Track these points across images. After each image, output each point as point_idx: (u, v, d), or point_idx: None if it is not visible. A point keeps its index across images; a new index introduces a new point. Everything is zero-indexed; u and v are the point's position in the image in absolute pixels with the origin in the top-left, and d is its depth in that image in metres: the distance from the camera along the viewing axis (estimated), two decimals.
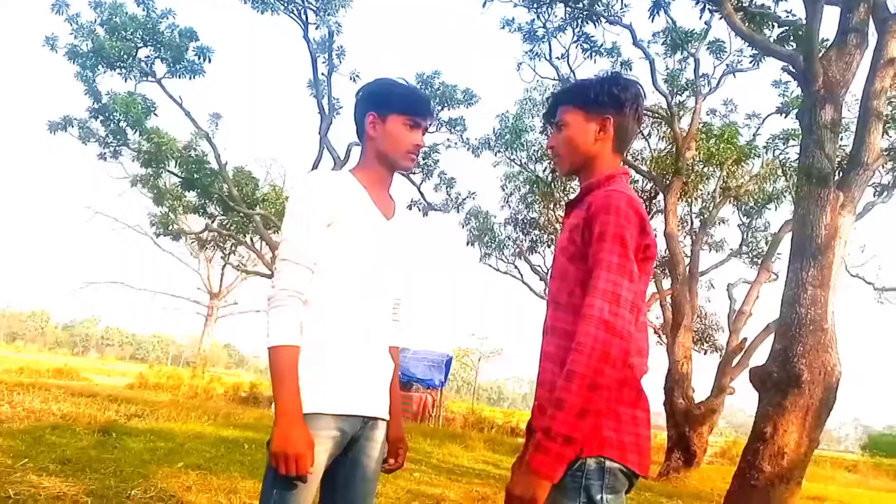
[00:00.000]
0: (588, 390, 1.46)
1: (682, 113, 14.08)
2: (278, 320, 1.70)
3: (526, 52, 12.98)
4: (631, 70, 13.66)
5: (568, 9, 11.47)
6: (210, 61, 13.84)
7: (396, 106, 1.88)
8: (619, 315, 1.48)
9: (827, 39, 7.22)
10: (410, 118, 1.88)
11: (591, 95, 1.73)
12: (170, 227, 18.99)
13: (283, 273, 1.73)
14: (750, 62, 11.97)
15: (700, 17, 10.07)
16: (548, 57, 12.80)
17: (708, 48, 12.70)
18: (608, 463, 1.53)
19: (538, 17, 12.06)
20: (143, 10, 13.41)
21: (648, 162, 15.54)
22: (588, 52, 12.01)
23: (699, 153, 14.00)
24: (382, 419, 1.90)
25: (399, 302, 2.04)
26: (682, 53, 12.88)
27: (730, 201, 15.82)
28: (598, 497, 1.52)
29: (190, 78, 13.94)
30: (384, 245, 1.89)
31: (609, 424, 1.54)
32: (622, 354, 1.48)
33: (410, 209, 17.08)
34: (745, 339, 11.92)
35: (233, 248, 25.25)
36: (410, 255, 2.03)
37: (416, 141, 1.90)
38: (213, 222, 18.70)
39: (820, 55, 6.14)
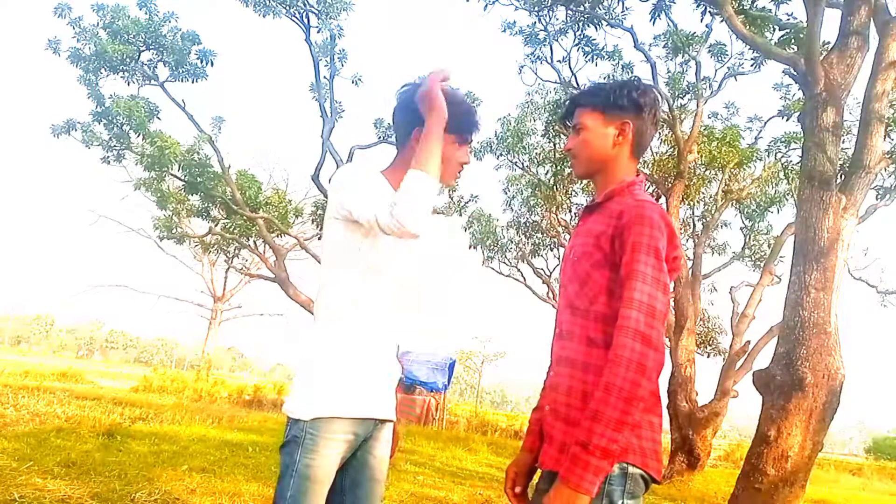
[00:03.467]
0: (626, 403, 1.47)
1: (683, 116, 14.09)
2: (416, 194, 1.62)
3: (527, 56, 12.99)
4: (632, 73, 13.69)
5: (569, 12, 11.49)
6: (212, 65, 13.88)
7: (448, 125, 1.79)
8: (654, 327, 1.50)
9: (828, 42, 7.24)
10: (460, 136, 1.87)
11: (611, 99, 1.74)
12: (173, 231, 19.02)
13: (378, 210, 1.64)
14: (751, 65, 11.99)
15: (701, 21, 10.11)
16: (549, 60, 12.81)
17: (709, 51, 12.70)
18: (630, 468, 1.55)
19: (539, 20, 12.07)
20: (146, 14, 13.47)
21: (650, 165, 15.54)
22: (589, 56, 12.01)
23: (701, 156, 13.99)
24: (391, 420, 1.91)
25: (417, 303, 2.05)
26: (683, 56, 12.88)
27: (732, 204, 15.80)
28: (620, 502, 1.53)
29: (192, 81, 13.99)
30: (405, 247, 1.89)
31: (632, 431, 1.56)
32: (657, 366, 1.50)
33: None
34: (749, 342, 11.90)
35: (236, 251, 25.25)
36: (427, 255, 2.04)
37: (463, 160, 1.89)
38: (216, 226, 18.72)
39: (821, 58, 6.15)
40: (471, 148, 1.94)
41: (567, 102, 1.87)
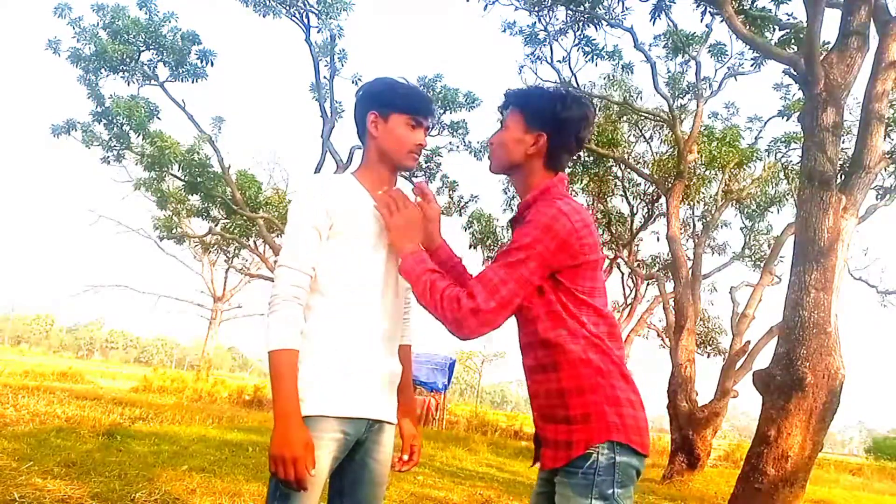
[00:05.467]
0: (427, 292, 1.66)
1: (683, 116, 14.10)
2: (276, 325, 1.71)
3: (527, 56, 13.01)
4: (633, 73, 13.71)
5: (569, 12, 11.49)
6: (212, 65, 13.90)
7: (398, 105, 1.87)
8: (489, 308, 1.58)
9: (828, 42, 7.24)
10: (412, 117, 1.88)
11: (535, 108, 1.75)
12: (173, 231, 19.03)
13: (281, 278, 1.75)
14: (751, 65, 11.99)
15: (701, 21, 10.12)
16: (549, 60, 12.82)
17: (709, 51, 12.71)
18: (618, 458, 1.58)
19: (539, 20, 12.09)
20: (146, 14, 13.48)
21: (650, 165, 15.55)
22: (589, 56, 12.02)
23: (701, 156, 14.00)
24: (389, 423, 1.89)
25: (409, 302, 2.04)
26: (683, 56, 12.89)
27: (732, 204, 15.81)
28: (609, 492, 1.57)
29: (192, 81, 14.01)
30: (388, 246, 1.87)
31: (611, 410, 1.61)
32: (461, 328, 1.60)
33: None
34: (749, 342, 11.90)
35: (236, 251, 25.30)
36: None
37: (418, 140, 1.89)
38: (216, 226, 18.73)
39: (821, 58, 6.15)
40: (427, 132, 1.94)
41: (504, 95, 1.88)
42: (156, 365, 55.27)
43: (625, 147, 16.02)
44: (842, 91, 6.07)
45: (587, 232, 1.65)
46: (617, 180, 17.28)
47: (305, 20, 13.82)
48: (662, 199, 14.00)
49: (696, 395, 11.25)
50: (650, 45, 12.49)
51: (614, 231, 18.51)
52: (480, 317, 1.58)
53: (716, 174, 15.09)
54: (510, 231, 1.84)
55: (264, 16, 13.27)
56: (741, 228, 17.16)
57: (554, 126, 1.74)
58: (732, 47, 12.58)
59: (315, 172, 14.52)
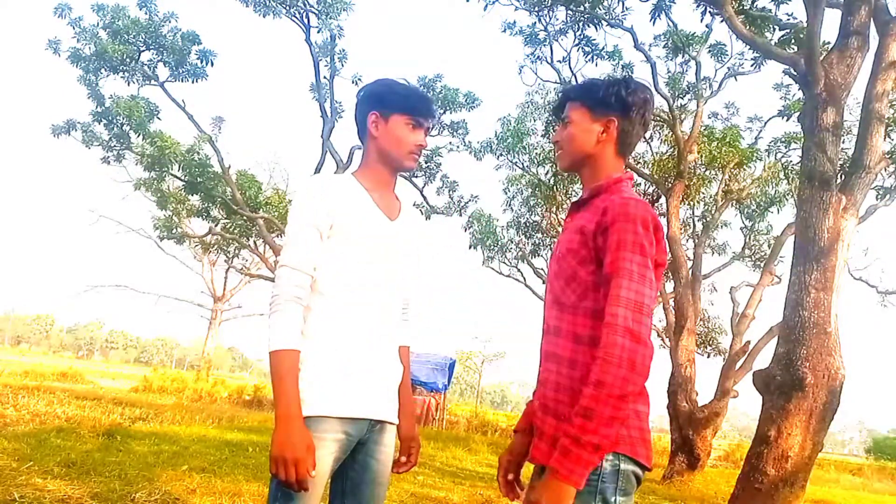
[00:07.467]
0: (618, 399, 1.48)
1: (683, 116, 14.08)
2: (278, 325, 1.71)
3: (527, 56, 13.00)
4: (633, 73, 13.68)
5: (569, 12, 11.48)
6: (213, 65, 13.91)
7: (398, 106, 1.88)
8: (643, 323, 1.50)
9: (828, 42, 7.24)
10: (413, 118, 1.88)
11: (599, 95, 1.74)
12: (173, 231, 19.03)
13: (282, 279, 1.75)
14: (751, 65, 11.99)
15: (701, 21, 10.10)
16: (549, 60, 12.81)
17: (709, 51, 12.70)
18: (622, 465, 1.56)
19: (539, 20, 12.08)
20: (146, 14, 13.49)
21: (650, 165, 15.53)
22: (589, 56, 12.01)
23: (701, 156, 13.99)
24: (391, 423, 1.89)
25: (408, 302, 2.04)
26: (683, 56, 12.88)
27: (732, 204, 15.80)
28: (612, 499, 1.55)
29: (193, 81, 14.02)
30: (388, 246, 1.88)
31: (619, 421, 1.57)
32: (647, 361, 1.50)
33: None
34: (749, 342, 11.90)
35: (236, 251, 25.29)
36: (417, 254, 2.02)
37: (418, 141, 1.89)
38: (216, 226, 18.73)
39: (821, 58, 6.15)
40: (427, 132, 1.95)
41: (560, 94, 1.88)
42: (156, 365, 55.25)
43: None
44: (842, 91, 6.06)
45: (662, 235, 1.64)
46: None
47: (305, 20, 13.83)
48: (662, 200, 13.97)
49: (696, 395, 11.25)
50: (650, 45, 12.49)
51: None
52: (643, 341, 1.49)
53: (716, 174, 15.08)
54: (567, 214, 1.79)
55: (264, 16, 13.27)
56: (741, 228, 17.15)
57: (622, 109, 1.72)
58: (732, 47, 12.59)
59: (315, 172, 14.53)
